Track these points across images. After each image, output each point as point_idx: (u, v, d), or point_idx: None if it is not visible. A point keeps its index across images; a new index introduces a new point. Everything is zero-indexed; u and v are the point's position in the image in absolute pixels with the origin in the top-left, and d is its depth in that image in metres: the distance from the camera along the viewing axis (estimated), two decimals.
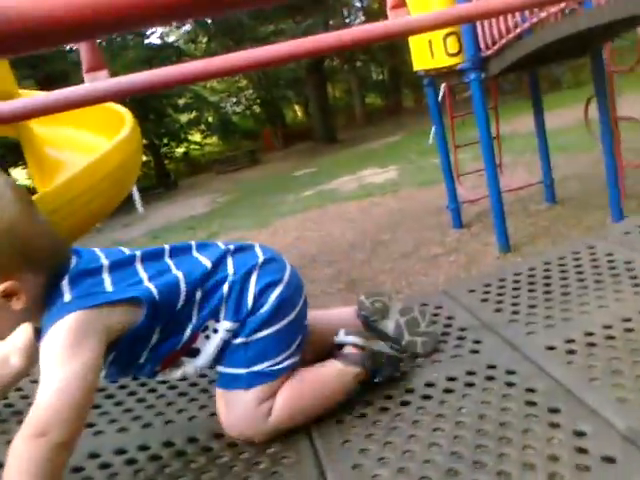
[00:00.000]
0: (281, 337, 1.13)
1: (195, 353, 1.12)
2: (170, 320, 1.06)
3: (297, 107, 29.06)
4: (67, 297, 0.97)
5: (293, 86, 23.38)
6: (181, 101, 21.70)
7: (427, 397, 1.13)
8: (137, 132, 5.11)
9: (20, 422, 0.89)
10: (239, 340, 1.10)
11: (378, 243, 5.32)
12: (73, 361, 0.91)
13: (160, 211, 12.79)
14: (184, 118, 23.05)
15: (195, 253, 1.15)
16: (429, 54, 4.64)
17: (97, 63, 1.66)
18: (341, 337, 1.21)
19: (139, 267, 1.07)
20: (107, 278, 1.02)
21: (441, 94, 6.32)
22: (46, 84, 12.21)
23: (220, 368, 1.13)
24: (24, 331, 1.11)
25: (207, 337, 1.11)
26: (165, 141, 22.05)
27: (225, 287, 1.10)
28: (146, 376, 1.19)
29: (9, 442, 0.88)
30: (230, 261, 1.15)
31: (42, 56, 13.77)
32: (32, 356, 1.11)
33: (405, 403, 1.13)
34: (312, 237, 6.16)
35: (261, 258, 1.17)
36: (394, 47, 18.66)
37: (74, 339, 0.93)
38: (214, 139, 26.28)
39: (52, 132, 5.72)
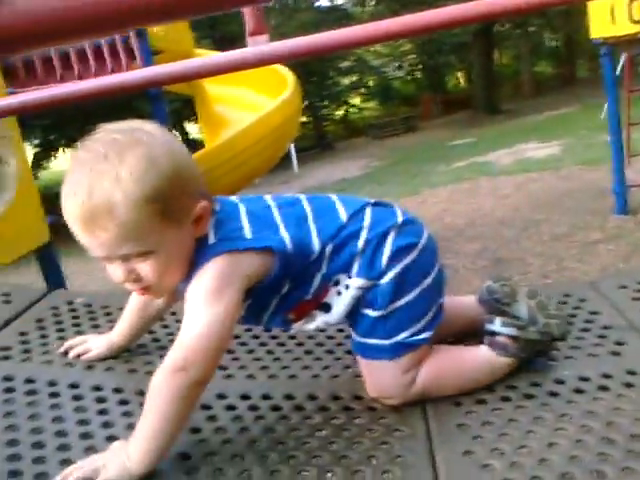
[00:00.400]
0: (419, 303, 1.11)
1: (327, 308, 1.13)
2: (301, 271, 1.08)
3: (460, 74, 28.02)
4: (212, 239, 1.02)
5: (457, 51, 22.51)
6: (344, 64, 21.89)
7: (554, 394, 1.08)
8: (298, 93, 5.26)
9: (162, 356, 0.98)
10: (377, 313, 1.09)
11: (530, 222, 5.04)
12: (216, 306, 0.97)
13: (315, 171, 13.11)
14: (346, 81, 23.26)
15: (334, 204, 1.15)
16: (610, 20, 4.24)
17: (259, 28, 1.73)
18: (497, 327, 1.17)
19: (276, 214, 1.10)
20: (246, 224, 1.05)
21: (620, 65, 5.75)
22: (222, 44, 12.92)
23: (360, 338, 1.12)
24: None
25: (339, 293, 1.11)
26: (325, 103, 22.44)
27: (360, 242, 1.09)
28: (280, 326, 1.24)
29: (151, 373, 0.98)
30: (368, 212, 1.13)
31: (218, 18, 14.55)
32: (173, 295, 1.18)
33: (529, 396, 1.08)
34: (461, 210, 5.98)
35: (400, 218, 1.13)
36: (571, 12, 17.20)
37: (218, 284, 0.98)
38: (373, 103, 26.23)
39: (222, 91, 6.08)
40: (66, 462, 0.97)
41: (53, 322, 1.47)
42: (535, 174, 7.15)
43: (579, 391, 1.08)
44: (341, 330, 1.38)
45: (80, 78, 3.14)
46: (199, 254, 1.02)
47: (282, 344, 1.37)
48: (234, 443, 1.03)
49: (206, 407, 1.12)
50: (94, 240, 0.95)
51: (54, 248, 3.04)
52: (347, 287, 1.11)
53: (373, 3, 22.15)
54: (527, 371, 1.16)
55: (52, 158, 17.45)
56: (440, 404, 1.09)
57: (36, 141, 15.89)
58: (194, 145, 13.15)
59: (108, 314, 1.51)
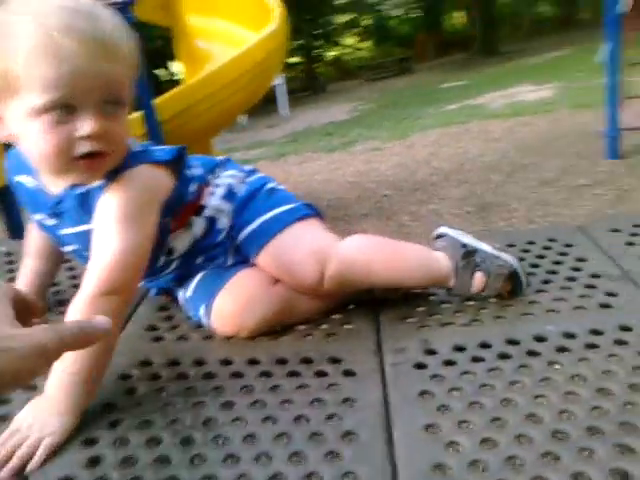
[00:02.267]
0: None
1: (201, 210, 1.09)
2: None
3: (459, 13, 27.14)
4: (136, 147, 0.97)
5: None
6: (338, 1, 21.07)
7: (533, 353, 0.93)
8: (285, 27, 4.97)
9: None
10: (265, 188, 1.13)
11: (518, 167, 4.87)
12: (142, 221, 0.91)
13: (304, 114, 12.79)
14: (340, 20, 22.49)
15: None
16: None
17: None
18: (441, 229, 1.13)
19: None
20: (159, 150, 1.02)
21: (625, 2, 5.45)
22: None
23: (247, 230, 1.09)
24: None
25: (212, 194, 1.11)
26: (318, 43, 21.75)
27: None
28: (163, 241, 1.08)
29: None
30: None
31: None
32: None
33: (504, 356, 0.93)
34: (448, 154, 5.78)
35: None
36: None
37: (145, 196, 0.92)
38: (367, 44, 25.49)
39: (203, 23, 5.74)
40: None
41: None
42: (526, 118, 6.93)
43: (563, 350, 0.92)
44: None
45: None
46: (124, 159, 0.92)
47: None
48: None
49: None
50: (112, 66, 0.82)
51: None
52: (218, 186, 1.12)
53: None
54: (501, 325, 1.00)
55: None
56: (401, 366, 0.94)
57: None
58: None
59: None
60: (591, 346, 0.92)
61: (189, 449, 0.78)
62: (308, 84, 19.26)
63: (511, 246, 1.28)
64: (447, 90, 11.65)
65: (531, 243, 1.28)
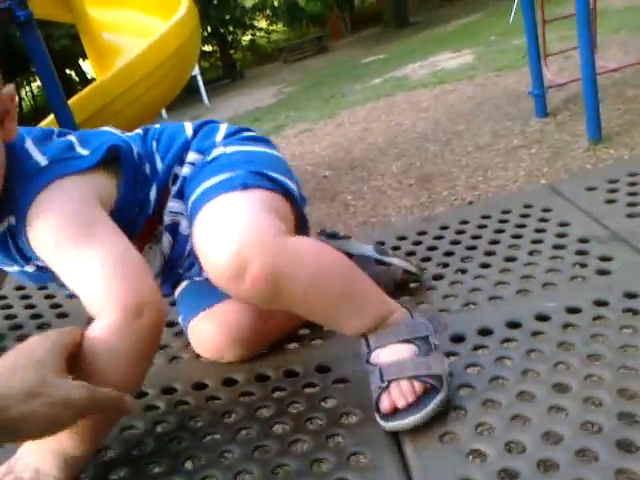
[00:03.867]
0: (268, 156, 0.93)
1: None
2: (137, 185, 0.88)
3: None
4: (42, 160, 0.78)
5: None
6: None
7: (538, 333, 0.84)
8: (194, 13, 4.82)
9: None
10: (217, 151, 0.90)
11: (452, 134, 4.87)
12: (95, 232, 0.75)
13: (226, 103, 12.52)
14: (249, 3, 22.06)
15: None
16: None
17: None
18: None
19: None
20: (75, 140, 0.84)
21: None
22: None
23: (198, 190, 0.85)
24: None
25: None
26: (230, 28, 21.28)
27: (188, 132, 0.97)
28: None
29: None
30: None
31: None
32: None
33: (508, 340, 0.84)
34: (380, 128, 5.73)
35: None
36: None
37: (76, 211, 0.75)
38: (280, 25, 25.18)
39: (108, 15, 5.46)
40: None
41: None
42: (451, 85, 6.97)
43: (569, 325, 0.84)
44: None
45: None
46: (26, 180, 0.75)
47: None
48: None
49: None
50: None
51: None
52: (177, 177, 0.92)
53: None
54: (502, 306, 0.91)
55: None
56: None
57: None
58: None
59: None
60: (599, 318, 0.84)
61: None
62: (225, 72, 18.84)
63: (486, 217, 1.20)
64: (368, 65, 11.63)
65: (507, 212, 1.20)
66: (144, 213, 0.88)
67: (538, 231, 1.11)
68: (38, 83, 20.07)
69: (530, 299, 0.92)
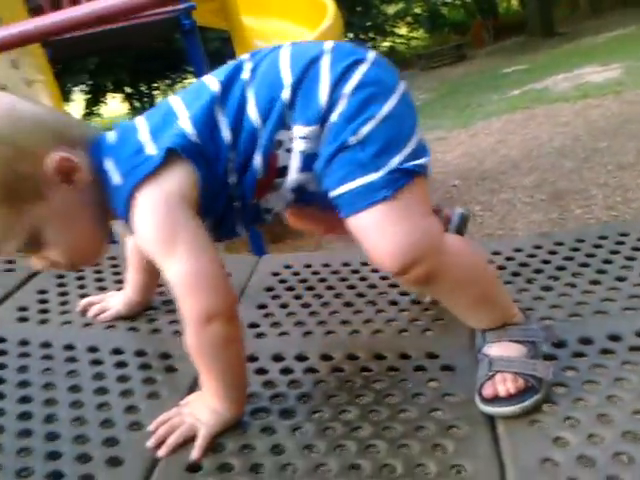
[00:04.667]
0: (396, 122, 0.86)
1: (283, 172, 0.92)
2: (230, 153, 0.89)
3: None
4: (116, 178, 0.87)
5: None
6: None
7: (637, 349, 0.91)
8: (339, 23, 5.01)
9: None
10: (349, 141, 0.84)
11: (592, 151, 4.70)
12: (180, 241, 0.83)
13: None
14: (391, 10, 22.26)
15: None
16: None
17: None
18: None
19: (177, 105, 0.91)
20: (146, 137, 0.88)
21: None
22: None
23: (339, 190, 0.85)
24: None
25: (288, 150, 0.90)
26: (371, 35, 21.62)
27: (284, 93, 0.87)
28: (253, 217, 0.99)
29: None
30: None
31: None
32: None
33: (607, 351, 0.92)
34: (515, 141, 5.65)
35: (329, 45, 0.90)
36: None
37: (163, 220, 0.84)
38: (421, 32, 25.14)
39: (260, 24, 5.82)
40: (80, 438, 0.88)
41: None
42: (595, 100, 6.68)
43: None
44: (384, 277, 1.23)
45: None
46: (113, 202, 0.88)
47: (319, 295, 1.24)
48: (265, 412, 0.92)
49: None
50: None
51: None
52: (292, 140, 0.89)
53: None
54: (606, 321, 0.99)
55: (102, 104, 17.55)
56: None
57: (83, 86, 15.95)
58: None
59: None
60: None
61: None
62: None
63: (580, 241, 1.27)
64: (508, 75, 11.35)
65: (625, 235, 1.25)
66: (252, 179, 0.91)
67: (629, 259, 1.16)
68: (183, 84, 21.62)
69: (635, 317, 0.99)
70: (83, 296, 1.27)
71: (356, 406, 0.89)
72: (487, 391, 0.85)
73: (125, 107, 19.16)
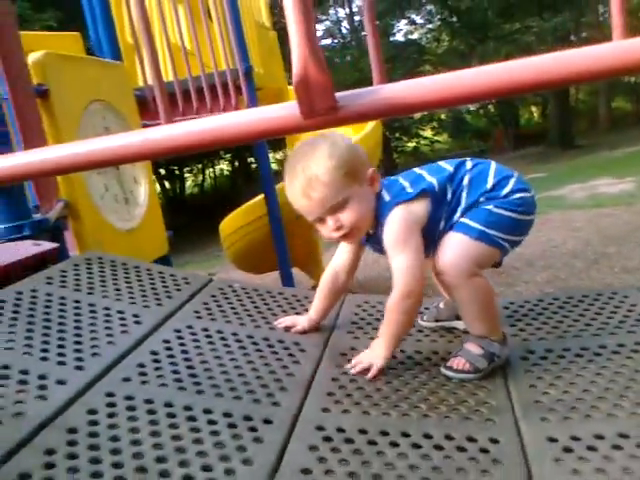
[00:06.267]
0: (516, 225, 1.46)
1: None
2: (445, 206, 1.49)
3: (534, 108, 27.79)
4: (387, 197, 1.47)
5: None
6: None
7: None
8: (379, 128, 5.59)
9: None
10: (488, 206, 1.45)
11: (601, 255, 5.13)
12: (409, 244, 1.41)
13: None
14: (417, 115, 23.49)
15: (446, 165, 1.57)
16: None
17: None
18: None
19: (422, 172, 1.53)
20: (405, 183, 1.49)
21: None
22: None
23: (462, 219, 1.46)
24: (349, 252, 1.64)
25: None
26: (397, 135, 22.76)
27: (465, 179, 1.50)
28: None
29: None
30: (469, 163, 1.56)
31: None
32: (353, 273, 1.67)
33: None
34: (531, 241, 6.00)
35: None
36: None
37: (405, 227, 1.42)
38: (444, 136, 26.33)
39: None
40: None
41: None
42: (608, 209, 7.12)
43: None
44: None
45: (197, 113, 3.61)
46: (380, 210, 1.46)
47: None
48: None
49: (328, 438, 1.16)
50: (310, 202, 1.40)
51: (170, 259, 3.46)
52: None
53: (448, 38, 22.41)
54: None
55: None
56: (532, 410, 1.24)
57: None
58: None
59: (260, 295, 1.93)
60: None
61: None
62: (386, 173, 19.90)
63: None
64: None
65: (586, 296, 1.80)
66: (447, 225, 1.50)
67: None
68: (221, 166, 22.67)
69: None
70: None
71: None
72: (450, 362, 1.46)
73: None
